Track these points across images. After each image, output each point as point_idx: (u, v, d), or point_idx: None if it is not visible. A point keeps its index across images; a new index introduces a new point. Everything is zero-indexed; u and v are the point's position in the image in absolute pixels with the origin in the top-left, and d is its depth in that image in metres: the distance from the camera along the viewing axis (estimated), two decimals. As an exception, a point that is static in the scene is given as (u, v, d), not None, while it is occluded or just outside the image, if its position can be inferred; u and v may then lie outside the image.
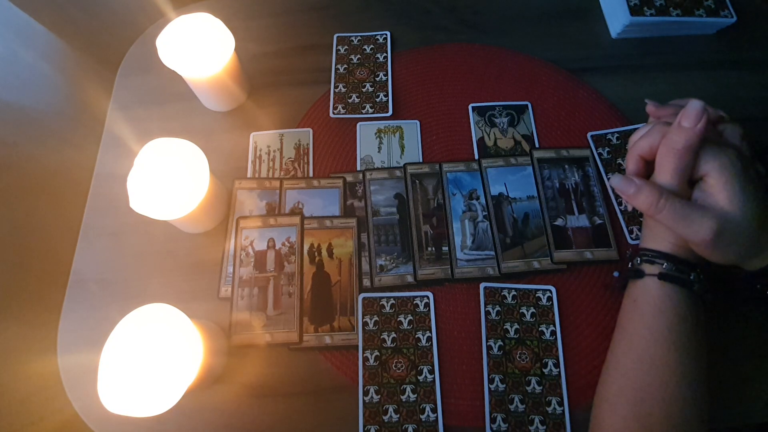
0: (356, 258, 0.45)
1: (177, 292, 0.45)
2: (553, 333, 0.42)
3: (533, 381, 0.41)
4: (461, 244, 0.46)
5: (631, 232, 0.46)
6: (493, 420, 0.39)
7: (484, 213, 0.47)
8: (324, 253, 0.46)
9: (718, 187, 0.33)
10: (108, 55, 0.65)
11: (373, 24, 0.59)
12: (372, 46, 0.57)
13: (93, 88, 0.74)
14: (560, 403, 0.40)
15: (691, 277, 0.35)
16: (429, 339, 0.42)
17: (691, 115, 0.33)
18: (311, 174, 0.50)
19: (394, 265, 0.45)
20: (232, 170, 0.50)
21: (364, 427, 0.39)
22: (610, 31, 0.58)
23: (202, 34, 0.47)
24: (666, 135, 0.35)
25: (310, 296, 0.44)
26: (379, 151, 0.51)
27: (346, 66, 0.56)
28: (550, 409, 0.40)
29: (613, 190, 0.48)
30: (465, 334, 0.43)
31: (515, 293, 0.44)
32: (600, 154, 0.50)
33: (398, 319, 0.43)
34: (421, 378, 0.41)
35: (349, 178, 0.49)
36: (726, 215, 0.32)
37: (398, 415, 0.39)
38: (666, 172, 0.35)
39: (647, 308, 0.36)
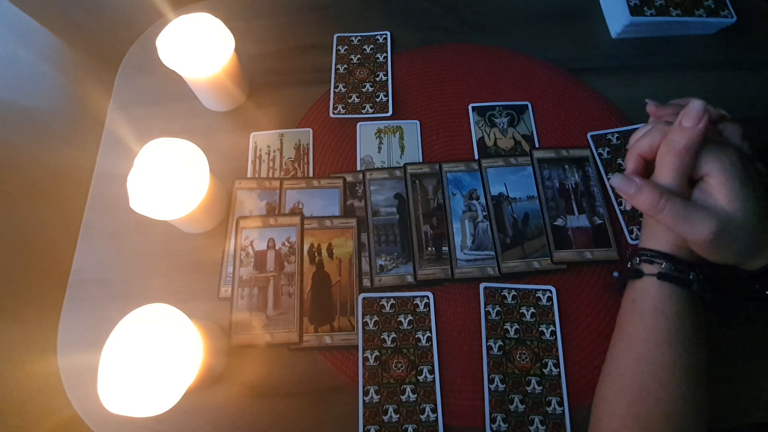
0: (356, 258, 0.45)
1: (177, 292, 0.45)
2: (553, 333, 0.42)
3: (533, 381, 0.41)
4: (461, 244, 0.46)
5: (631, 232, 0.46)
6: (493, 420, 0.39)
7: (484, 213, 0.47)
8: (324, 253, 0.46)
9: (719, 187, 0.32)
10: (108, 55, 0.65)
11: (373, 24, 0.59)
12: (372, 46, 0.57)
13: (93, 88, 0.74)
14: (560, 403, 0.40)
15: (690, 277, 0.35)
16: (429, 339, 0.42)
17: (692, 115, 0.33)
18: (311, 174, 0.50)
19: (394, 265, 0.45)
20: (232, 170, 0.50)
21: (364, 427, 0.39)
22: (610, 31, 0.58)
23: (202, 34, 0.47)
24: (667, 135, 0.35)
25: (310, 296, 0.44)
26: (379, 151, 0.51)
27: (346, 66, 0.56)
28: (550, 409, 0.40)
29: (613, 190, 0.48)
30: (465, 334, 0.43)
31: (515, 293, 0.44)
32: (600, 154, 0.50)
33: (398, 319, 0.43)
34: (421, 378, 0.41)
35: (349, 178, 0.49)
36: (726, 215, 0.32)
37: (398, 415, 0.39)
38: (666, 172, 0.34)
39: (646, 308, 0.36)
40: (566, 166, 0.49)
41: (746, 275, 0.36)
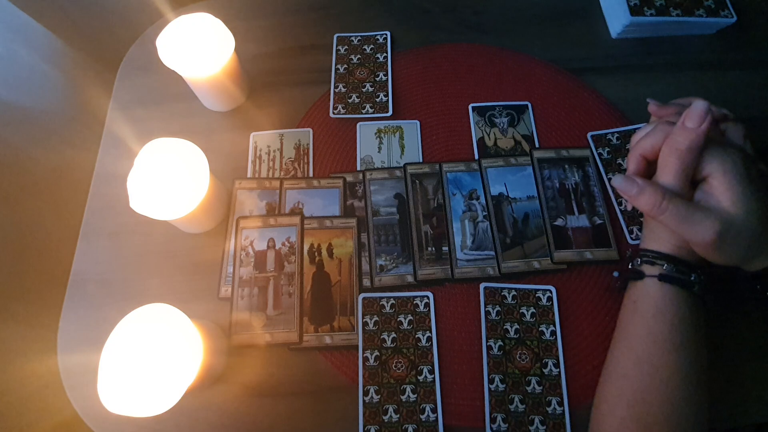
0: (356, 258, 0.45)
1: (177, 292, 0.45)
2: (553, 333, 0.42)
3: (533, 381, 0.40)
4: (461, 244, 0.46)
5: (631, 232, 0.46)
6: (493, 420, 0.39)
7: (484, 213, 0.47)
8: (324, 253, 0.46)
9: (722, 188, 0.32)
10: (108, 55, 0.65)
11: (373, 24, 0.59)
12: (372, 46, 0.57)
13: (93, 88, 0.74)
14: (560, 403, 0.40)
15: (692, 278, 0.35)
16: (429, 339, 0.42)
17: (695, 115, 0.32)
18: (311, 174, 0.50)
19: (394, 265, 0.45)
20: (232, 170, 0.50)
21: (364, 427, 0.39)
22: (610, 31, 0.58)
23: (202, 34, 0.47)
24: (669, 135, 0.34)
25: (310, 296, 0.44)
26: (379, 151, 0.51)
27: (346, 66, 0.56)
28: (550, 409, 0.40)
29: (613, 190, 0.48)
30: (465, 334, 0.43)
31: (515, 293, 0.44)
32: (600, 154, 0.50)
33: (398, 319, 0.43)
34: (421, 378, 0.41)
35: (349, 178, 0.49)
36: (729, 216, 0.32)
37: (398, 415, 0.39)
38: (668, 173, 0.34)
39: (647, 309, 0.36)
40: (566, 166, 0.49)
41: (747, 276, 0.36)
